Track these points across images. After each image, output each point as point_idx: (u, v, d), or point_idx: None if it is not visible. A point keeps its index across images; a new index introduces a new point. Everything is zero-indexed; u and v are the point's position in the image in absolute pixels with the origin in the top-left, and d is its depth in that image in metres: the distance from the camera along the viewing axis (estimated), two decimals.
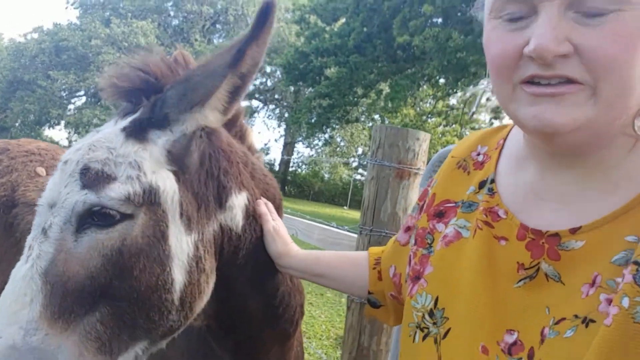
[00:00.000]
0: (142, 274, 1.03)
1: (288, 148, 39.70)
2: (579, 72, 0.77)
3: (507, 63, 0.83)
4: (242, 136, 1.46)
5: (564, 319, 0.79)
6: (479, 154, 1.13)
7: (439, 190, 1.15)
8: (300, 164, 41.01)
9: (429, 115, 26.35)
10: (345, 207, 27.40)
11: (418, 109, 27.37)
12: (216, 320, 1.35)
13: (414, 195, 2.17)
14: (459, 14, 17.55)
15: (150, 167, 1.07)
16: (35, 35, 36.92)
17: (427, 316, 0.99)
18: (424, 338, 0.99)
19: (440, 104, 26.02)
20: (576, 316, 0.78)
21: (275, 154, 44.52)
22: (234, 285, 1.31)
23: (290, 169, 39.55)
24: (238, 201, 1.28)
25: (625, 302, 0.71)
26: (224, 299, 1.28)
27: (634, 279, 0.71)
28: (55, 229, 1.01)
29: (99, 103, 34.53)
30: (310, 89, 25.79)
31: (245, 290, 1.35)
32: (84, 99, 37.91)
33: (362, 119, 29.71)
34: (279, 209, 1.49)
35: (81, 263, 0.99)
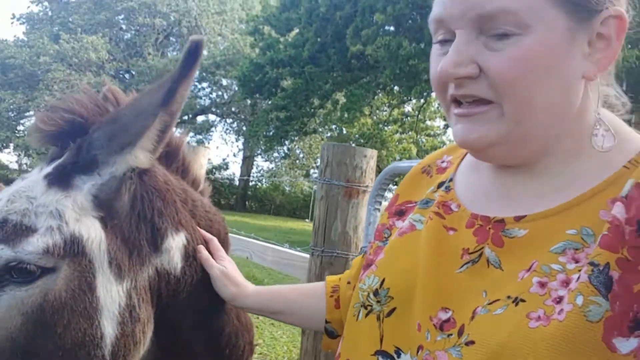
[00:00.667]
0: (66, 331, 0.98)
1: (247, 162, 39.43)
2: (486, 92, 0.86)
3: (437, 85, 0.93)
4: (184, 170, 1.41)
5: (497, 299, 0.83)
6: (443, 162, 1.19)
7: (402, 191, 1.22)
8: (260, 178, 40.81)
9: (386, 124, 26.68)
10: (307, 220, 27.38)
11: (375, 117, 27.70)
12: None
13: (363, 214, 2.19)
14: (409, 21, 17.89)
15: (74, 215, 1.03)
16: None
17: (371, 295, 1.03)
18: (366, 315, 1.02)
19: (395, 111, 26.40)
20: (508, 297, 0.81)
21: (235, 169, 44.14)
22: (177, 331, 1.26)
23: (251, 184, 39.27)
24: (175, 242, 1.22)
25: (579, 300, 0.74)
26: (167, 346, 1.24)
27: (589, 279, 0.75)
28: None
29: None
30: (267, 101, 25.76)
31: (190, 335, 1.29)
32: (33, 119, 36.75)
33: (320, 130, 29.85)
34: (224, 243, 1.45)
35: (0, 323, 0.94)
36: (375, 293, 1.02)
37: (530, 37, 0.82)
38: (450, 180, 1.08)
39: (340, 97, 23.44)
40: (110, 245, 1.07)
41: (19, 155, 37.46)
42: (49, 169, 1.09)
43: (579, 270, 0.78)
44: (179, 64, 1.05)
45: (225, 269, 1.34)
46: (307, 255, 2.39)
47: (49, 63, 32.14)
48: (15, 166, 37.06)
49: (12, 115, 35.59)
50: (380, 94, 23.92)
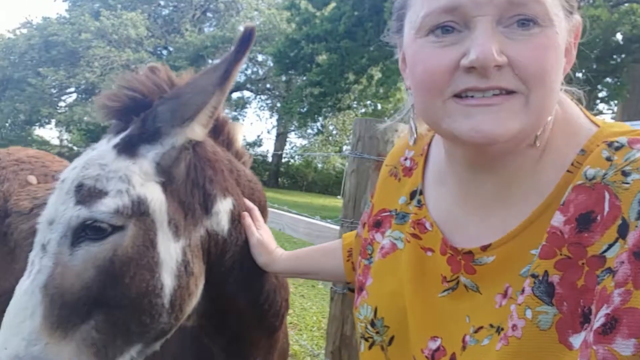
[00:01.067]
0: (132, 281, 1.10)
1: (281, 139, 39.58)
2: (514, 82, 0.81)
3: (439, 79, 0.85)
4: (228, 143, 1.55)
5: (481, 327, 0.86)
6: (406, 159, 1.18)
7: (376, 199, 1.22)
8: (293, 154, 40.96)
9: None
10: (338, 197, 27.38)
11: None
12: (208, 320, 1.44)
13: None
14: None
15: (139, 180, 1.15)
16: (24, 31, 36.51)
17: (369, 326, 1.06)
18: (370, 347, 1.07)
19: None
20: (491, 325, 0.85)
21: (268, 145, 44.42)
22: (223, 286, 1.39)
23: (283, 160, 39.47)
24: (223, 207, 1.36)
25: (529, 313, 0.77)
26: (214, 299, 1.37)
27: (532, 291, 0.78)
28: (53, 244, 1.09)
29: (89, 100, 34.29)
30: (301, 77, 25.67)
31: (234, 290, 1.44)
32: (74, 95, 37.57)
33: (354, 106, 29.63)
34: (263, 211, 1.60)
35: (76, 275, 1.07)
36: (372, 324, 1.05)
37: (552, 30, 0.81)
38: (421, 192, 1.08)
39: (376, 73, 23.17)
40: (169, 207, 1.19)
41: (60, 131, 38.58)
42: (116, 139, 1.21)
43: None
44: (234, 49, 1.19)
45: (262, 237, 1.49)
46: (338, 227, 2.47)
47: (90, 40, 32.72)
48: (56, 142, 38.20)
49: (54, 92, 36.51)
50: None
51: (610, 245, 0.72)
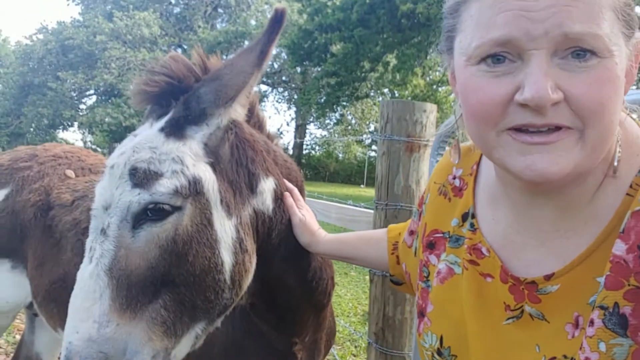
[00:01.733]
0: (195, 259, 1.13)
1: (300, 130, 39.65)
2: (569, 118, 0.78)
3: (493, 112, 0.82)
4: (260, 125, 1.57)
5: (554, 358, 0.84)
6: (454, 178, 1.16)
7: (428, 219, 1.18)
8: (313, 145, 41.03)
9: (439, 84, 26.04)
10: (362, 186, 27.39)
11: (428, 78, 27.08)
12: (259, 298, 1.47)
13: (425, 167, 2.23)
14: None
15: (191, 160, 1.17)
16: (41, 36, 37.05)
17: (436, 355, 1.05)
18: None
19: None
20: (565, 356, 0.82)
21: (288, 137, 44.52)
22: (271, 264, 1.42)
23: (304, 152, 39.57)
24: (267, 186, 1.39)
25: (602, 346, 0.76)
26: (264, 278, 1.39)
27: (604, 323, 0.76)
28: (113, 228, 1.11)
29: (109, 101, 34.72)
30: (317, 68, 25.62)
31: (282, 267, 1.47)
32: (94, 97, 38.17)
33: (372, 94, 29.51)
34: (301, 191, 1.61)
35: (141, 256, 1.10)
36: (439, 353, 1.03)
37: (611, 61, 0.77)
38: (473, 216, 1.06)
39: (392, 59, 23.01)
40: (220, 187, 1.22)
41: (83, 133, 39.18)
42: (160, 123, 1.22)
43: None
44: (266, 30, 1.23)
45: (304, 217, 1.50)
46: (370, 211, 2.46)
47: (105, 42, 33.08)
48: (80, 144, 38.76)
49: (75, 95, 37.05)
50: (433, 54, 23.30)
51: None
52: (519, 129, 0.81)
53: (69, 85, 34.81)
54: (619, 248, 0.77)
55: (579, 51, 0.76)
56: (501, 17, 0.79)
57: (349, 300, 6.03)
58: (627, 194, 0.83)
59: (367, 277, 5.61)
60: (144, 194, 1.10)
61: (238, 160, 1.31)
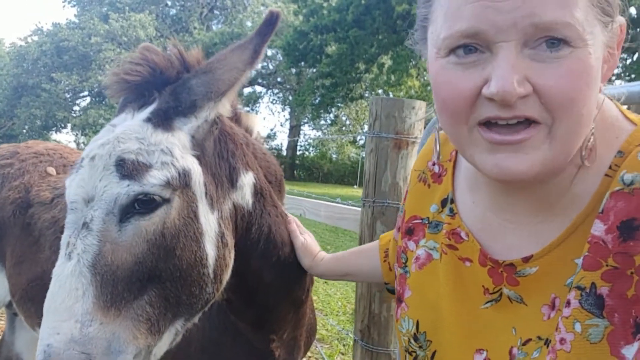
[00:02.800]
0: (183, 253, 1.11)
1: (294, 131, 39.68)
2: (538, 111, 0.76)
3: (462, 105, 0.81)
4: (237, 120, 1.55)
5: (529, 339, 0.84)
6: (434, 164, 1.15)
7: (408, 206, 1.18)
8: (307, 146, 41.09)
9: None
10: (355, 186, 27.38)
11: (422, 79, 27.15)
12: (236, 294, 1.44)
13: (412, 164, 2.22)
14: None
15: (179, 152, 1.15)
16: (36, 38, 37.03)
17: (412, 340, 1.04)
18: None
19: None
20: (539, 337, 0.82)
21: (282, 139, 44.57)
22: (249, 259, 1.40)
23: (298, 153, 39.62)
24: (247, 180, 1.37)
25: (578, 327, 0.75)
26: (242, 273, 1.37)
27: (580, 303, 0.75)
28: (97, 222, 1.05)
29: (103, 102, 34.66)
30: (312, 69, 25.65)
31: (260, 263, 1.45)
32: (88, 99, 38.14)
33: (367, 95, 29.56)
34: (280, 185, 1.62)
35: (128, 250, 1.05)
36: (415, 338, 1.03)
37: (585, 51, 0.74)
38: (452, 201, 1.05)
39: (387, 61, 23.05)
40: (205, 179, 1.20)
41: (77, 134, 39.09)
42: (143, 114, 1.18)
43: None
44: (260, 30, 1.24)
45: (306, 241, 1.54)
46: (358, 209, 2.45)
47: (100, 43, 33.07)
48: (73, 145, 38.71)
49: (68, 96, 37.04)
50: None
51: None
52: (488, 124, 0.80)
53: (63, 87, 34.81)
54: (598, 228, 0.76)
55: (552, 40, 0.74)
56: (469, 8, 0.77)
57: (339, 299, 6.03)
58: (606, 175, 0.82)
59: None
60: (134, 185, 1.06)
61: (220, 154, 1.29)
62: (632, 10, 15.99)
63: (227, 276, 1.26)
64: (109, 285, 1.02)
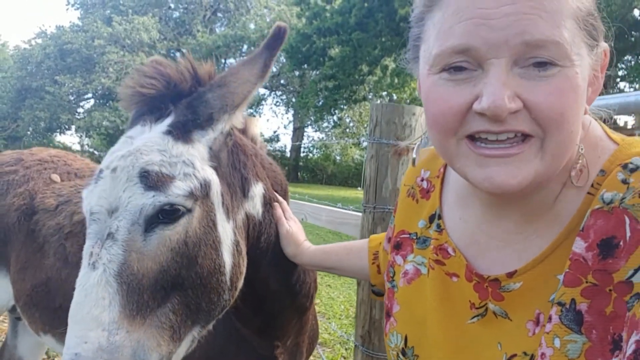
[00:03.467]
0: (204, 261, 1.14)
1: (298, 133, 39.70)
2: (529, 125, 0.78)
3: (452, 121, 0.83)
4: (244, 130, 1.58)
5: (514, 355, 0.85)
6: (422, 180, 1.17)
7: (397, 220, 1.20)
8: (311, 148, 41.06)
9: None
10: (359, 188, 27.39)
11: None
12: (244, 301, 1.46)
13: None
14: None
15: (200, 164, 1.18)
16: (40, 41, 37.15)
17: (400, 355, 1.06)
18: None
19: None
20: (525, 353, 0.83)
21: (286, 141, 44.60)
22: (258, 268, 1.43)
23: (302, 154, 39.62)
24: (257, 190, 1.42)
25: (557, 342, 0.76)
26: (250, 281, 1.40)
27: (560, 319, 0.77)
28: (122, 232, 1.07)
29: (107, 104, 34.77)
30: (315, 71, 25.68)
31: (268, 270, 1.48)
32: (92, 101, 38.24)
33: (370, 98, 29.57)
34: (285, 194, 1.65)
35: (153, 259, 1.08)
36: (403, 353, 1.05)
37: (572, 70, 0.77)
38: (440, 217, 1.07)
39: (390, 63, 23.05)
40: (222, 190, 1.24)
41: (81, 136, 39.20)
42: (161, 126, 1.20)
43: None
44: (269, 44, 1.28)
45: (291, 228, 1.53)
46: (359, 214, 2.46)
47: (104, 46, 33.18)
48: (77, 147, 38.81)
49: (72, 98, 37.14)
50: None
51: (636, 271, 0.71)
52: (476, 139, 0.82)
53: (66, 89, 34.90)
54: (579, 246, 0.78)
55: (540, 61, 0.76)
56: (461, 25, 0.79)
57: (341, 302, 6.03)
58: (589, 193, 0.84)
59: None
60: (159, 196, 1.09)
61: (233, 165, 1.32)
62: (636, 12, 15.97)
63: (241, 283, 1.29)
64: (134, 294, 1.04)
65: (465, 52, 0.79)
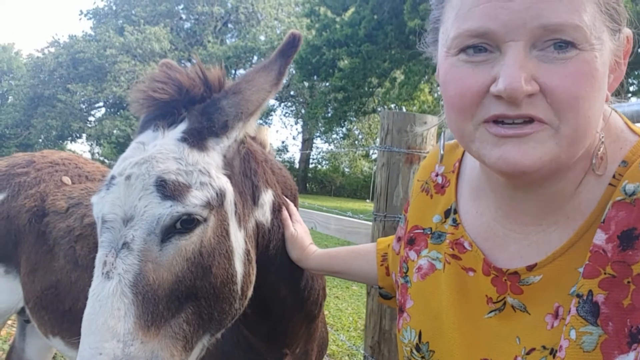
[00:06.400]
0: (217, 270, 1.13)
1: (306, 145, 39.78)
2: (544, 111, 0.77)
3: (469, 102, 0.82)
4: (254, 136, 1.56)
5: (533, 349, 0.83)
6: (437, 175, 1.15)
7: (410, 215, 1.19)
8: (320, 159, 41.11)
9: None
10: (367, 200, 27.35)
11: (436, 94, 27.15)
12: (252, 308, 1.44)
13: None
14: None
15: (215, 172, 1.16)
16: (52, 50, 37.60)
17: (414, 351, 1.04)
18: None
19: None
20: (544, 347, 0.82)
21: (294, 151, 44.71)
22: (266, 274, 1.40)
23: (310, 166, 39.66)
24: (267, 198, 1.40)
25: (573, 334, 0.75)
26: (258, 288, 1.38)
27: (577, 311, 0.76)
28: (138, 242, 1.05)
29: (118, 113, 35.05)
30: (324, 83, 25.78)
31: (276, 278, 1.46)
32: (103, 110, 38.59)
33: (379, 110, 29.61)
34: (295, 199, 1.63)
35: (168, 270, 1.06)
36: (417, 348, 1.03)
37: (591, 54, 0.76)
38: (455, 211, 1.06)
39: (399, 75, 23.11)
40: (235, 198, 1.22)
41: (91, 145, 39.50)
42: (175, 133, 1.18)
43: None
44: (282, 52, 1.27)
45: (296, 232, 1.49)
46: (369, 223, 2.44)
47: (115, 55, 33.49)
48: (88, 155, 39.04)
49: (84, 107, 37.49)
50: None
51: None
52: (494, 121, 0.81)
53: (78, 98, 35.23)
54: (599, 238, 0.77)
55: (560, 43, 0.76)
56: (480, 8, 0.79)
57: (350, 314, 5.99)
58: (610, 184, 0.83)
59: None
60: (177, 206, 1.06)
61: (244, 172, 1.31)
62: None
63: (250, 292, 1.27)
64: (149, 304, 1.02)
65: (482, 35, 0.79)
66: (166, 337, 1.05)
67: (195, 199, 1.08)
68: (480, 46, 0.80)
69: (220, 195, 1.14)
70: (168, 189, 1.07)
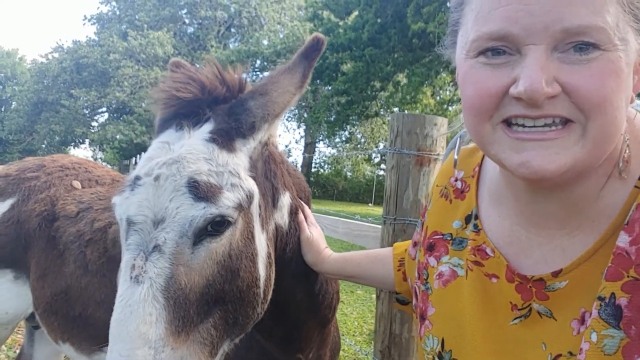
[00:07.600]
0: (244, 274, 1.11)
1: (309, 148, 39.77)
2: (568, 109, 0.76)
3: (488, 103, 0.81)
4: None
5: (560, 355, 0.82)
6: (456, 180, 1.13)
7: (429, 221, 1.16)
8: (322, 164, 41.11)
9: (450, 103, 26.05)
10: (370, 204, 27.32)
11: (438, 97, 27.12)
12: (267, 313, 1.42)
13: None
14: None
15: (244, 174, 1.15)
16: (56, 55, 37.73)
17: (437, 359, 1.02)
18: None
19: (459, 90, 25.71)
20: (570, 353, 0.81)
21: (297, 155, 44.74)
22: (282, 278, 1.38)
23: (313, 170, 39.63)
24: (285, 200, 1.38)
25: (594, 336, 0.74)
26: (274, 292, 1.36)
27: (599, 313, 0.75)
28: (170, 244, 1.02)
29: (121, 118, 35.12)
30: (327, 87, 25.79)
31: (291, 281, 1.45)
32: (106, 115, 38.66)
33: (382, 113, 29.61)
34: (308, 201, 1.63)
35: (199, 273, 1.04)
36: (440, 356, 1.01)
37: (615, 54, 0.74)
38: (476, 217, 1.04)
39: (402, 79, 23.11)
40: (259, 201, 1.20)
41: (94, 150, 39.57)
42: (202, 133, 1.15)
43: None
44: (306, 54, 1.26)
45: (312, 235, 1.48)
46: (378, 226, 2.42)
47: (119, 60, 33.60)
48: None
49: (87, 112, 37.56)
50: (443, 73, 23.37)
51: None
52: (512, 124, 0.80)
53: (81, 103, 35.33)
54: (623, 240, 0.76)
55: (581, 45, 0.74)
56: (500, 11, 0.78)
57: (355, 318, 5.96)
58: (635, 187, 0.81)
59: (374, 296, 5.53)
60: (210, 208, 1.04)
61: (266, 174, 1.29)
62: None
63: (270, 295, 1.25)
64: (180, 309, 1.00)
65: (502, 38, 0.78)
66: (195, 343, 1.03)
67: (228, 201, 1.07)
68: (500, 49, 0.79)
69: (250, 197, 1.13)
70: (201, 190, 1.05)
